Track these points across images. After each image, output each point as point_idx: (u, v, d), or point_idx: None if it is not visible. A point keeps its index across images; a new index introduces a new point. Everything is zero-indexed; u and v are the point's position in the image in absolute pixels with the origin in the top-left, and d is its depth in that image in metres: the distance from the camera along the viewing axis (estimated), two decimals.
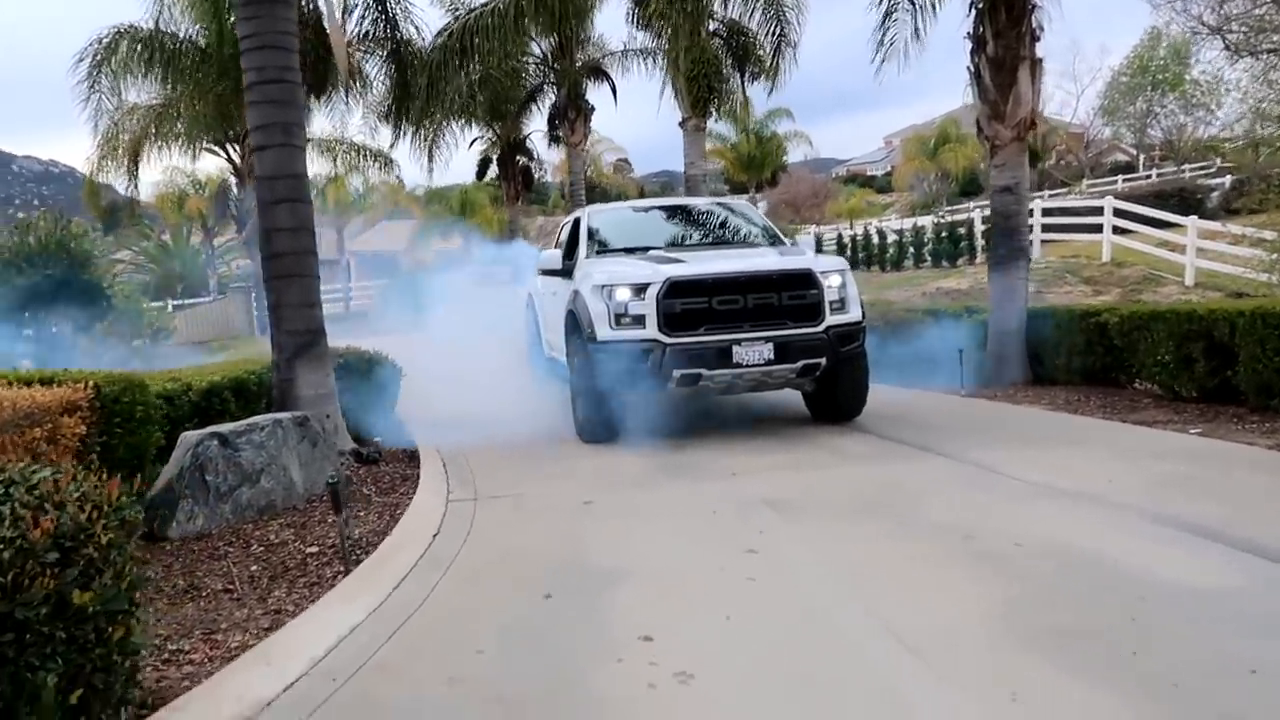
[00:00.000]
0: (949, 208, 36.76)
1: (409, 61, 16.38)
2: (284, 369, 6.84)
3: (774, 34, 16.34)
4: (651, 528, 4.92)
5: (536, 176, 29.16)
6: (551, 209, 50.66)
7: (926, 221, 27.98)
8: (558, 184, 46.94)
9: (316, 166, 25.07)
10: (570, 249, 8.96)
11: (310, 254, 6.92)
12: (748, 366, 7.07)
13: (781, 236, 8.84)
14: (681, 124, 16.68)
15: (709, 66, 15.79)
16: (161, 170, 31.79)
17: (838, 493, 5.45)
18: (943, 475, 5.79)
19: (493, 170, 26.90)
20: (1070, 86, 61.65)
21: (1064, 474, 5.56)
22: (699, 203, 9.89)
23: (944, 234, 26.22)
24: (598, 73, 22.37)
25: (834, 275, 7.43)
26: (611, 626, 3.46)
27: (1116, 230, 21.00)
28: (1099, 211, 21.91)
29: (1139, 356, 8.57)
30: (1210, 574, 3.68)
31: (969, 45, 9.71)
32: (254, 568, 4.50)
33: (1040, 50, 9.67)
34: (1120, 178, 40.54)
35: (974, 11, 9.61)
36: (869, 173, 74.13)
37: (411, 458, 7.07)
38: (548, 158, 43.80)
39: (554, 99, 21.75)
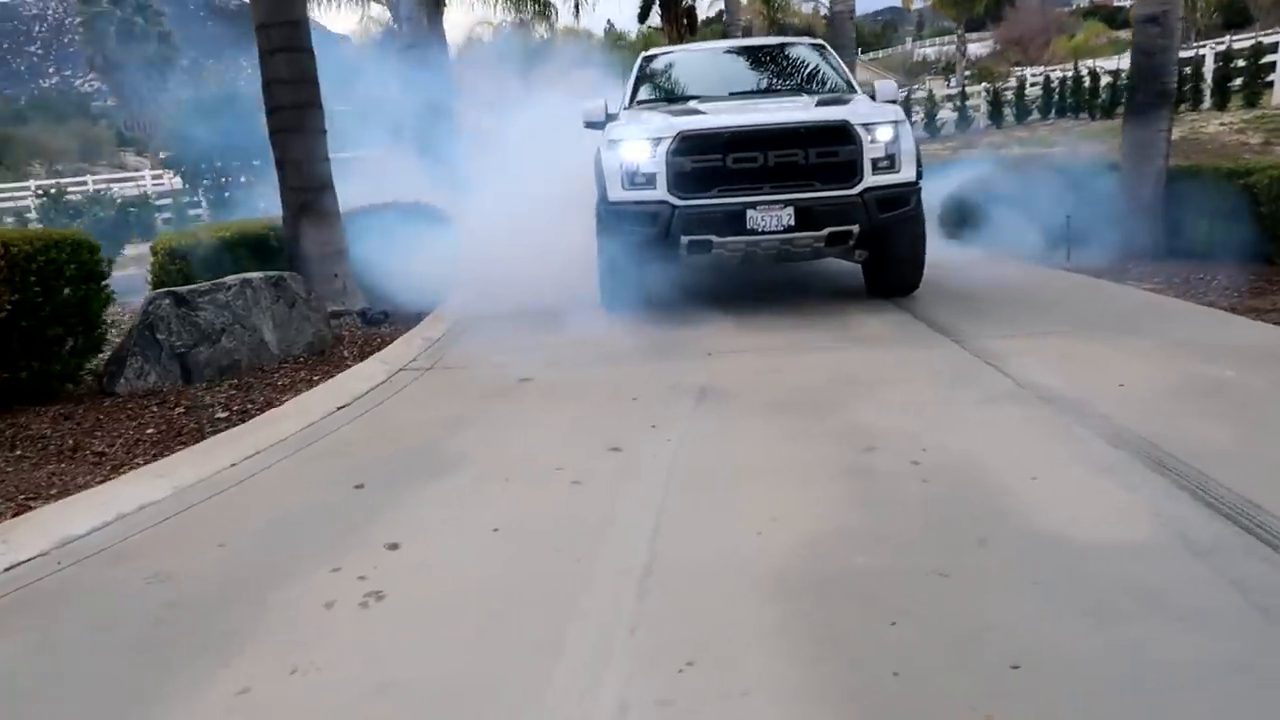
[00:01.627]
0: (1205, 42, 31.81)
1: None
2: (290, 226, 6.81)
3: None
4: (550, 414, 4.52)
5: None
6: None
7: None
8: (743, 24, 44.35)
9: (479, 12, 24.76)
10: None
11: (313, 107, 6.73)
12: (764, 234, 6.33)
13: (854, 85, 7.74)
14: None
15: None
16: None
17: (790, 381, 4.81)
18: (928, 367, 4.97)
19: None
20: None
21: (1072, 373, 4.63)
22: (764, 44, 8.86)
23: None
24: None
25: (881, 128, 6.43)
26: (370, 528, 3.16)
27: None
28: None
29: None
30: (1127, 528, 2.88)
31: None
32: (151, 430, 4.53)
33: None
34: None
35: None
36: (1114, 4, 65.49)
37: (423, 322, 6.95)
38: None
39: None
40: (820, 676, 2.17)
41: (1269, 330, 5.38)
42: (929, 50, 73.74)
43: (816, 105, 6.70)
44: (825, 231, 6.36)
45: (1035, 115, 27.86)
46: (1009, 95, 28.19)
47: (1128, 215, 8.39)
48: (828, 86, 7.72)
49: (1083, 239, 8.46)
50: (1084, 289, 7.13)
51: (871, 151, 6.37)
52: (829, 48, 8.22)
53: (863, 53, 76.70)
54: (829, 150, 6.32)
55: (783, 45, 8.73)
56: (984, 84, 30.34)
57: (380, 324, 6.80)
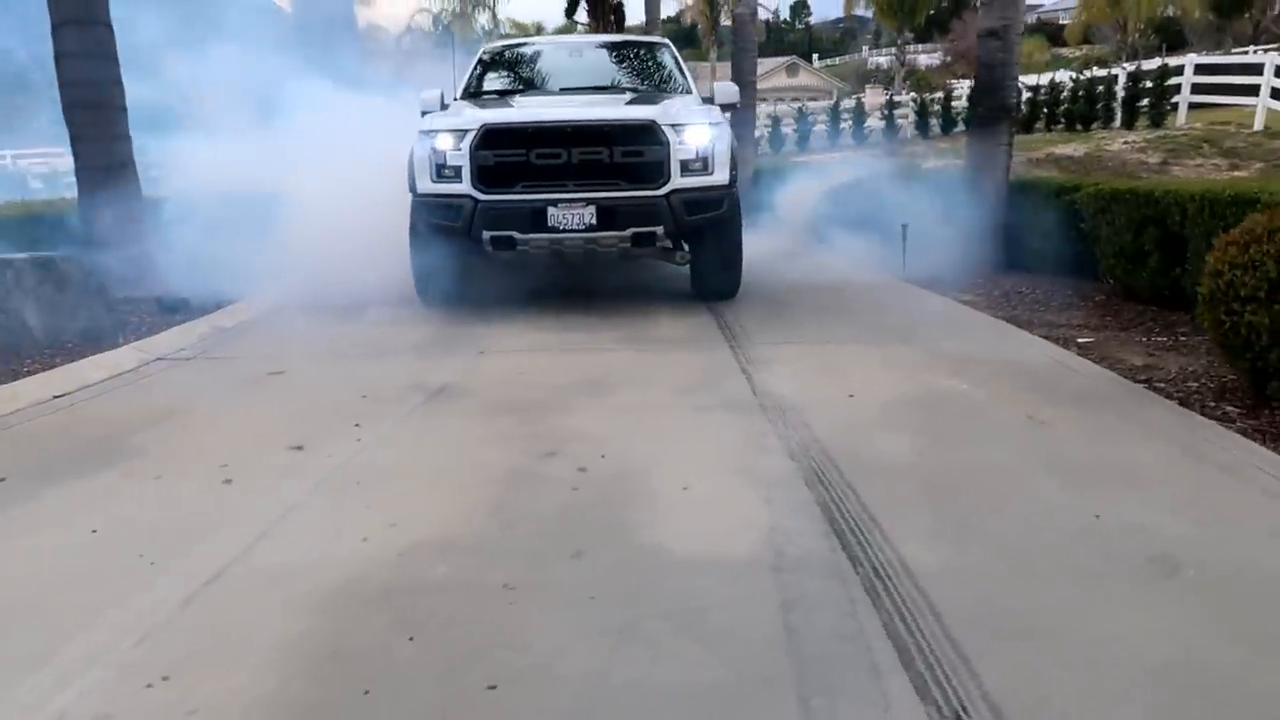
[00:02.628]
0: (1134, 63, 32.43)
1: None
2: (84, 206, 6.57)
3: None
4: (266, 409, 4.37)
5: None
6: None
7: (1064, 78, 24.70)
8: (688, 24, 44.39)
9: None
10: None
11: (111, 83, 6.49)
12: (565, 232, 6.22)
13: (692, 86, 7.66)
14: None
15: None
16: None
17: (537, 382, 4.71)
18: (686, 371, 4.90)
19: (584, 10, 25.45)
20: None
21: (816, 382, 4.60)
22: (607, 40, 8.77)
23: (1080, 93, 23.16)
24: None
25: (692, 129, 6.36)
26: None
27: None
28: (1259, 71, 18.70)
29: (1101, 245, 7.11)
30: (732, 543, 2.80)
31: None
32: None
33: None
34: None
35: None
36: (1060, 22, 66.66)
37: (222, 310, 6.74)
38: None
39: None
40: (289, 693, 2.05)
41: (1035, 344, 5.41)
42: (882, 59, 74.49)
43: (627, 103, 6.61)
44: (629, 232, 6.28)
45: (961, 127, 28.18)
46: (936, 106, 28.46)
47: (968, 228, 8.43)
48: (663, 86, 7.64)
49: (926, 250, 8.48)
50: (898, 298, 7.15)
51: (681, 153, 6.30)
52: (672, 47, 8.14)
53: (819, 59, 77.32)
54: (634, 149, 6.24)
55: (625, 43, 8.64)
56: (911, 94, 30.59)
57: (176, 311, 6.57)
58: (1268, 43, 33.84)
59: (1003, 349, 5.30)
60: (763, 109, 31.77)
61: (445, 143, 6.33)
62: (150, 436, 3.93)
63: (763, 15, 60.59)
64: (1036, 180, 8.52)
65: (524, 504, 3.11)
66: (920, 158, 17.09)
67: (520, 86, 7.57)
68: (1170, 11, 40.70)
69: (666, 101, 6.69)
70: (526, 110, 6.53)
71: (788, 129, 27.73)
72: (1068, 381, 4.57)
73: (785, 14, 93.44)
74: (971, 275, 8.06)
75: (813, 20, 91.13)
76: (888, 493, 3.11)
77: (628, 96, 6.88)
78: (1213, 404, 4.24)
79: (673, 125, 6.28)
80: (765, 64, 63.29)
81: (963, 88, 32.03)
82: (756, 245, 9.40)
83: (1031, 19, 72.93)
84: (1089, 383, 4.54)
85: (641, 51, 8.21)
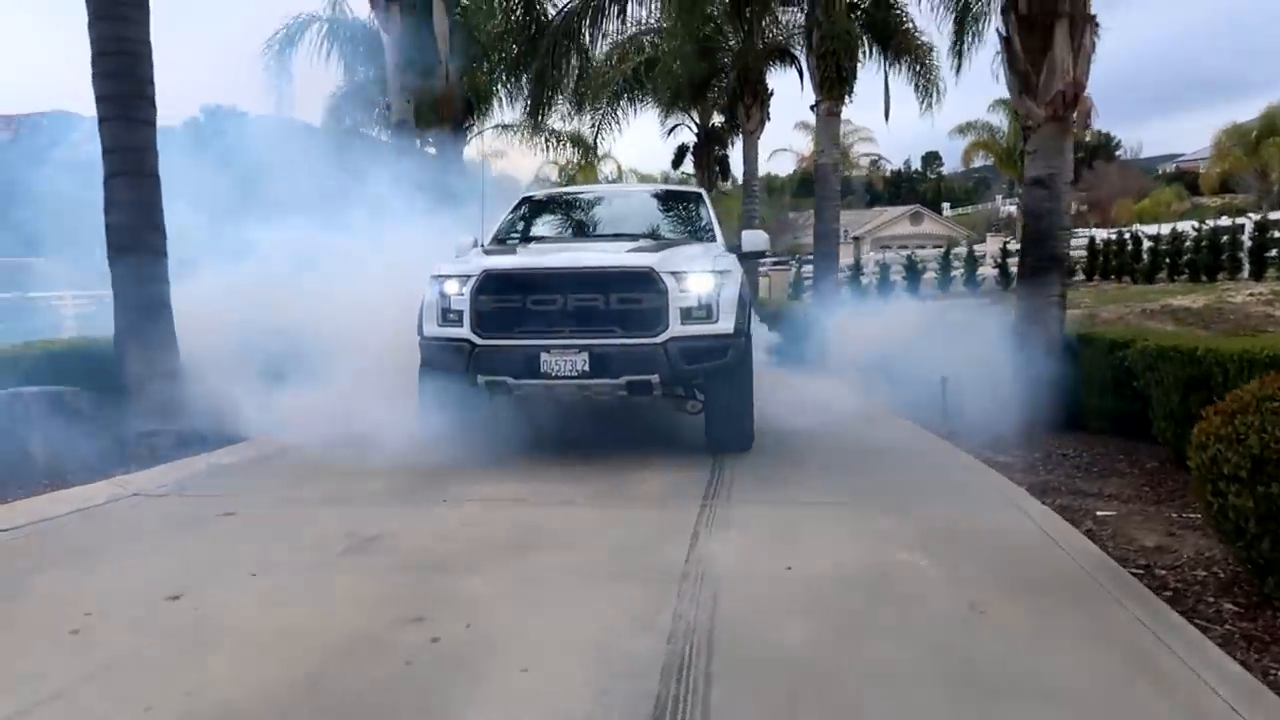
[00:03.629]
0: (1259, 213, 30.93)
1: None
2: (118, 344, 6.90)
3: (957, 4, 14.38)
4: (183, 553, 4.31)
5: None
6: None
7: (1186, 227, 23.64)
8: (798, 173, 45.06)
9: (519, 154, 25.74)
10: None
11: (152, 229, 6.91)
12: (558, 378, 6.11)
13: (715, 234, 7.59)
14: (813, 108, 15.22)
15: (839, 43, 14.20)
16: None
17: (466, 537, 4.51)
18: (632, 535, 4.59)
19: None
20: None
21: (763, 552, 4.22)
22: (639, 190, 8.85)
23: (1204, 243, 22.05)
24: (783, 54, 21.09)
25: (695, 277, 6.23)
26: None
27: None
28: None
29: (1153, 406, 6.49)
30: None
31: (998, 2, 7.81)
32: None
33: (1093, 5, 7.59)
34: None
35: None
36: (1201, 170, 64.71)
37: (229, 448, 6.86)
38: (791, 142, 42.34)
39: (727, 81, 20.69)
40: None
41: (1038, 516, 4.85)
42: (1013, 208, 73.77)
43: (628, 250, 6.56)
44: (623, 380, 6.11)
45: (1079, 275, 27.27)
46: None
47: (1019, 383, 7.89)
48: (692, 234, 7.60)
49: (974, 404, 7.96)
50: (923, 455, 6.66)
51: (681, 300, 6.16)
52: (704, 195, 8.14)
53: (951, 207, 77.16)
54: (630, 296, 6.14)
55: (656, 192, 8.72)
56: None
57: (191, 446, 6.73)
58: None
59: (995, 519, 4.79)
60: (871, 255, 31.57)
61: (451, 287, 6.40)
62: (45, 577, 3.91)
63: (886, 166, 61.13)
64: (1093, 334, 7.93)
65: (344, 678, 2.87)
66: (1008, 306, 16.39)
67: (543, 234, 7.67)
68: None
69: (672, 249, 6.61)
70: (526, 257, 6.57)
71: (896, 276, 27.37)
72: (1045, 563, 4.04)
73: (917, 164, 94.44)
74: (1018, 434, 7.47)
75: (945, 170, 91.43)
76: (745, 694, 2.72)
77: (631, 244, 6.84)
78: (1210, 599, 3.65)
79: (673, 273, 6.17)
80: (889, 212, 63.80)
81: (1086, 236, 31.14)
82: (798, 390, 9.14)
83: (1170, 167, 71.28)
84: (1069, 566, 4.00)
85: (672, 200, 8.26)
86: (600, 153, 27.81)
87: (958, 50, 14.64)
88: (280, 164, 11.88)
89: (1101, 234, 30.34)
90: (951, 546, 4.25)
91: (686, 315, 6.18)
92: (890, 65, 15.54)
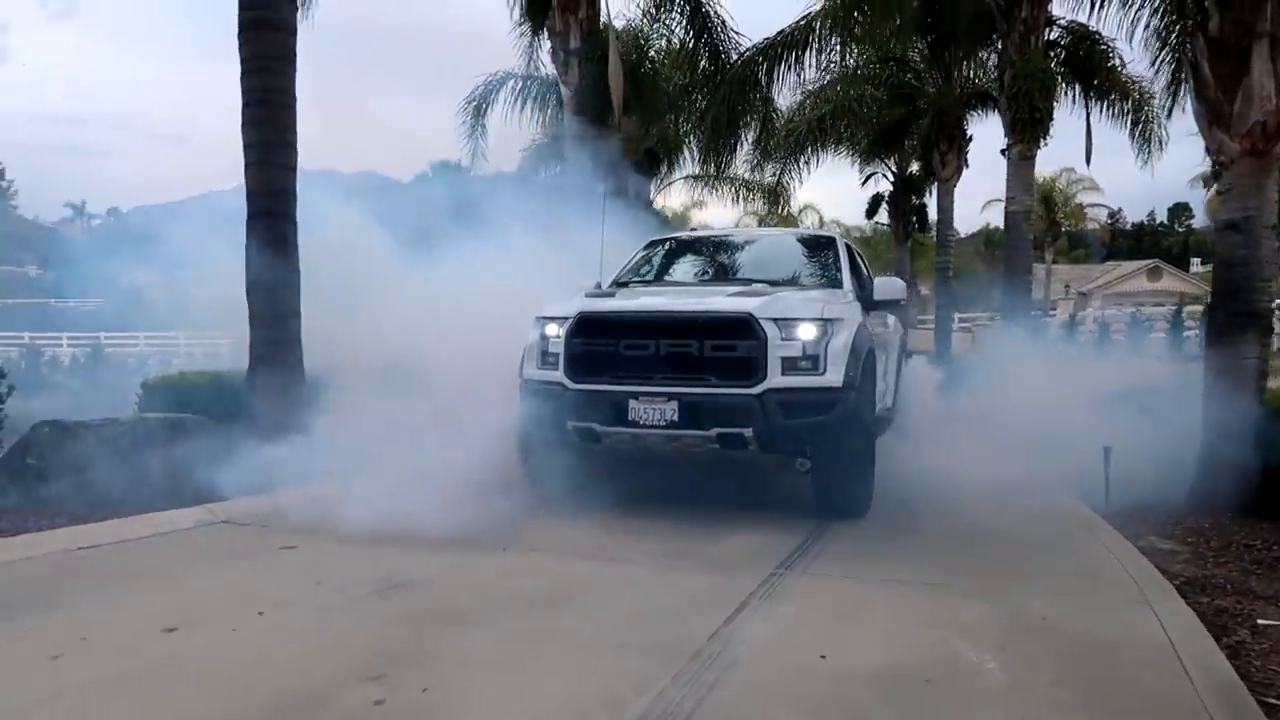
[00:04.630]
0: None
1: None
2: (249, 374, 7.24)
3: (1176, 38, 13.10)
4: (213, 582, 4.31)
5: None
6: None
7: None
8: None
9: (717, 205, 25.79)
10: None
11: (287, 268, 7.22)
12: (646, 427, 5.77)
13: (844, 280, 7.00)
14: (1004, 151, 14.19)
15: (1032, 82, 13.18)
16: None
17: (492, 589, 4.24)
18: (666, 598, 4.16)
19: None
20: None
21: (805, 631, 3.70)
22: (767, 234, 8.36)
23: None
24: (983, 98, 19.99)
25: (801, 325, 5.75)
26: None
27: None
28: None
29: None
30: None
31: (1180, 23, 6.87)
32: None
33: None
34: None
35: None
36: None
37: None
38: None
39: (923, 126, 19.77)
40: None
41: (1174, 619, 3.97)
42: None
43: (730, 295, 6.16)
44: (714, 432, 5.70)
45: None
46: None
47: (1210, 460, 6.76)
48: (820, 280, 7.09)
49: (1149, 478, 6.90)
50: (1068, 534, 5.80)
51: (784, 349, 5.69)
52: (839, 240, 7.60)
53: (1202, 263, 70.44)
54: (725, 344, 5.74)
55: (789, 237, 8.23)
56: (1277, 303, 26.45)
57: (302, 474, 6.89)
58: None
59: (1113, 619, 3.98)
60: (1092, 311, 29.12)
61: (551, 330, 6.25)
62: (77, 599, 3.99)
63: (1104, 216, 56.52)
64: None
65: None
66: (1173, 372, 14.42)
67: (662, 277, 7.40)
68: None
69: (778, 294, 6.14)
70: (624, 300, 6.32)
71: (1117, 334, 25.03)
72: (1152, 683, 3.26)
73: (1163, 216, 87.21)
74: (1198, 516, 6.38)
75: (1196, 223, 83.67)
76: None
77: (741, 288, 6.42)
78: None
79: (775, 319, 5.71)
80: (1124, 267, 58.95)
81: None
82: (954, 454, 8.28)
83: None
84: (1180, 690, 3.20)
85: (805, 245, 7.77)
86: (798, 203, 27.38)
87: (1172, 90, 13.25)
88: (473, 211, 12.34)
89: None
90: (1037, 649, 3.54)
91: (789, 365, 5.70)
92: (1096, 105, 14.24)
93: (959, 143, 19.38)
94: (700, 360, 5.77)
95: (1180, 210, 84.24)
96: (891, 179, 24.34)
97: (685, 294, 6.49)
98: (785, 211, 28.07)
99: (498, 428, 6.72)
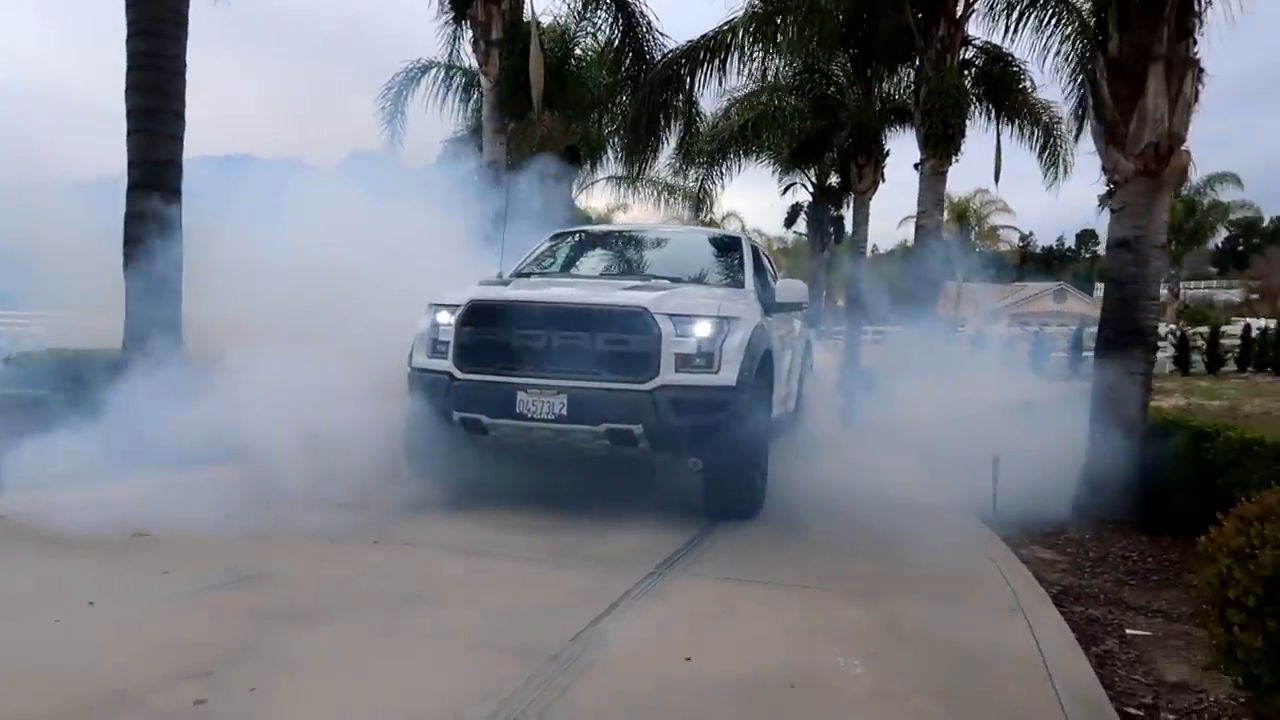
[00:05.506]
0: None
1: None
2: (124, 354, 6.82)
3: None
4: (57, 570, 3.98)
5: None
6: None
7: None
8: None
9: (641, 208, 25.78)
10: None
11: (168, 244, 6.84)
12: (534, 420, 5.59)
13: (746, 281, 6.91)
14: (917, 166, 14.39)
15: (946, 99, 13.37)
16: None
17: (358, 584, 4.01)
18: (542, 595, 4.00)
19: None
20: None
21: (677, 631, 3.58)
22: (672, 231, 8.29)
23: None
24: (902, 114, 20.32)
25: (697, 322, 5.63)
26: None
27: None
28: None
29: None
30: None
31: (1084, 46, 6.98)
32: None
33: (1197, 51, 6.67)
34: None
35: None
36: None
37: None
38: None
39: (842, 138, 19.97)
40: None
41: (1043, 627, 3.96)
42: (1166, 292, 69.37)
43: (625, 289, 6.02)
44: (603, 428, 5.54)
45: (1231, 366, 25.08)
46: (1199, 342, 25.48)
47: (1094, 472, 6.87)
48: (722, 279, 7.00)
49: (1034, 489, 6.96)
50: (948, 541, 5.74)
51: (677, 345, 5.56)
52: (746, 241, 7.53)
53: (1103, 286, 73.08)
54: (618, 337, 5.59)
55: (693, 235, 8.17)
56: (1171, 327, 27.61)
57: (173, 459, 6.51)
58: None
59: (987, 628, 3.95)
60: (997, 329, 29.90)
61: (442, 318, 6.02)
62: None
63: (1015, 238, 58.25)
64: (1179, 422, 6.83)
65: None
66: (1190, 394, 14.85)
67: (561, 269, 7.23)
68: None
69: (674, 290, 6.03)
70: (520, 290, 6.14)
71: (1021, 351, 25.71)
72: (1014, 693, 3.21)
73: (1071, 242, 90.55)
74: (1081, 527, 6.48)
75: (1103, 249, 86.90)
76: None
77: (637, 282, 6.29)
78: None
79: (670, 315, 5.59)
80: (1031, 287, 60.87)
81: (1242, 325, 28.60)
82: (851, 460, 8.27)
83: None
84: (1040, 701, 3.15)
85: (710, 244, 7.68)
86: (721, 210, 27.51)
87: (1080, 114, 13.62)
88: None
89: (1259, 322, 27.87)
90: (907, 655, 3.47)
91: (683, 362, 5.58)
92: (1006, 127, 14.57)
93: (876, 157, 19.60)
94: (592, 354, 5.61)
95: (1087, 236, 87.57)
96: (810, 190, 24.60)
97: (582, 286, 6.32)
98: (709, 218, 28.19)
99: (382, 418, 6.46)
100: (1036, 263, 79.78)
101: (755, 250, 7.61)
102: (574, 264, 7.39)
